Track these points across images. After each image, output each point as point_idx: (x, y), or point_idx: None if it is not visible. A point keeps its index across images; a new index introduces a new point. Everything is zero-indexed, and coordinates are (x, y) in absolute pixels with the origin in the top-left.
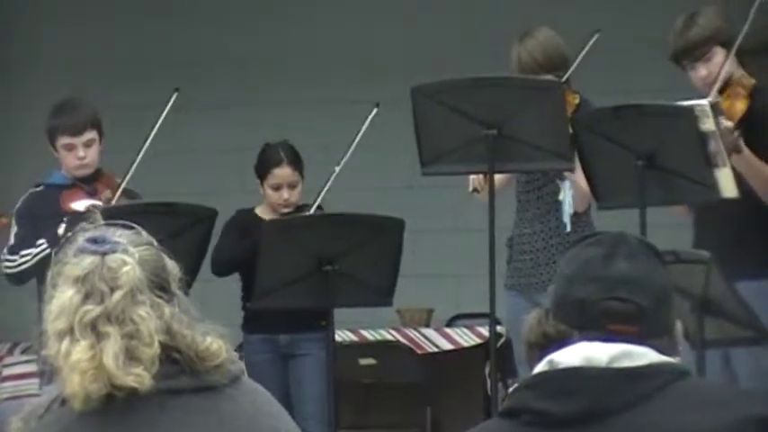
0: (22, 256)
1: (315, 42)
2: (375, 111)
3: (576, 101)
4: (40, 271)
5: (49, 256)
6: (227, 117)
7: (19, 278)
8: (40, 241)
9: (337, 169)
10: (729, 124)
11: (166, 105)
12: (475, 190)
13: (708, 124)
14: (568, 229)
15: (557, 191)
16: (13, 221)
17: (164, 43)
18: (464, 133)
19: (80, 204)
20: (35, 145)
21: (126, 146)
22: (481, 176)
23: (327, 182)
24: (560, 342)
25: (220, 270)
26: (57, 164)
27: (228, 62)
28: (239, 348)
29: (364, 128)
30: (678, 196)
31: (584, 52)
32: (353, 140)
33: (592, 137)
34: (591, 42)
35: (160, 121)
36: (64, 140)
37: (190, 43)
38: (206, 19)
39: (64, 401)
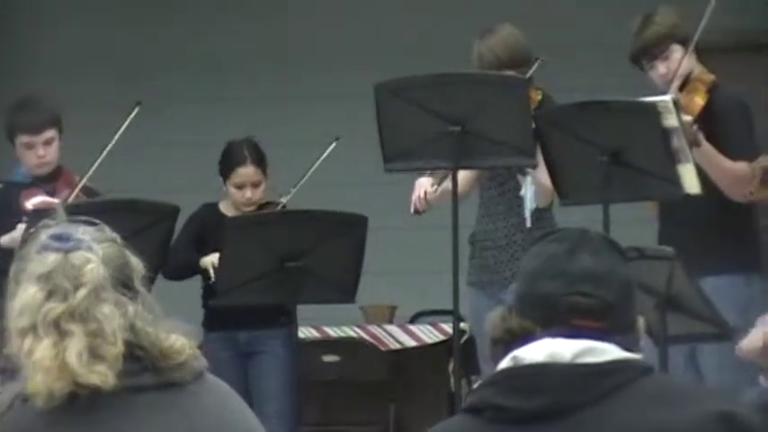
0: None
1: (283, 38)
2: (334, 144)
3: (539, 97)
4: None
5: None
6: (192, 112)
7: None
8: None
9: (284, 200)
10: (688, 118)
11: (128, 117)
12: (416, 212)
13: (671, 120)
14: (529, 224)
15: (519, 187)
16: None
17: (133, 38)
18: (428, 130)
19: (30, 202)
20: None
21: (95, 140)
22: (422, 197)
23: (280, 202)
24: (524, 338)
25: (169, 276)
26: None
27: (195, 58)
28: (200, 346)
29: (321, 159)
30: (642, 192)
31: (532, 70)
32: (310, 168)
33: (556, 133)
34: (535, 67)
35: (120, 133)
36: (24, 139)
37: (161, 39)
38: (176, 15)
39: (26, 399)
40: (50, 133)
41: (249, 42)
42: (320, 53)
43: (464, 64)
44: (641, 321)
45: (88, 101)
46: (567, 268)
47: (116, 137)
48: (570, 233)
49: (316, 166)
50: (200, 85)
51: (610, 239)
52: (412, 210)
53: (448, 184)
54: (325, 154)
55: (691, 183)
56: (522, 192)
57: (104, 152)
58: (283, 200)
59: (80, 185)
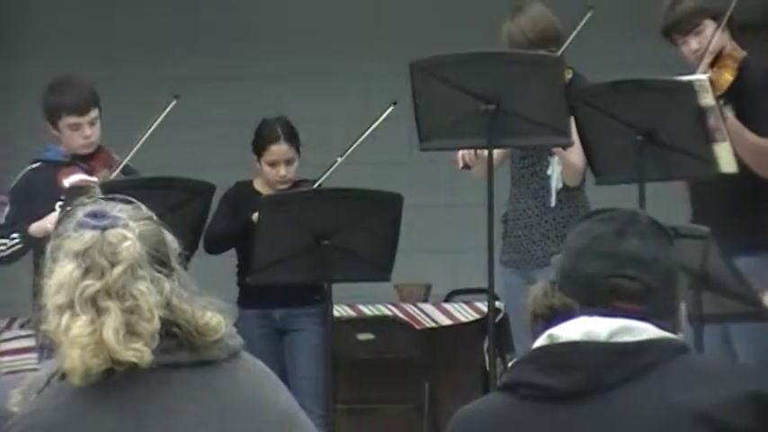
0: (1, 243)
1: (315, 14)
2: (391, 108)
3: (569, 75)
4: (13, 261)
5: (20, 250)
6: (227, 90)
7: None
8: (14, 235)
9: (340, 160)
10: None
11: (164, 109)
12: (465, 166)
13: (707, 99)
14: (553, 204)
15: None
16: (8, 199)
17: (162, 16)
18: (463, 108)
19: (68, 180)
20: (33, 121)
21: (127, 121)
22: (471, 152)
23: (329, 169)
24: (565, 315)
25: (210, 247)
26: (53, 140)
27: (229, 34)
28: (236, 324)
29: (377, 123)
30: (677, 171)
31: (578, 28)
32: (363, 133)
33: (590, 112)
34: (585, 19)
35: (155, 125)
36: (70, 120)
37: (189, 16)
38: None
39: (63, 376)
40: (95, 113)
41: (279, 18)
42: (352, 29)
43: (495, 38)
44: (683, 307)
45: (118, 81)
46: (613, 250)
47: (151, 128)
48: (619, 214)
49: (371, 129)
50: (231, 62)
51: (658, 223)
52: (460, 165)
53: None
54: (383, 117)
55: (727, 162)
56: (549, 171)
57: (144, 137)
58: (339, 159)
59: (120, 167)
